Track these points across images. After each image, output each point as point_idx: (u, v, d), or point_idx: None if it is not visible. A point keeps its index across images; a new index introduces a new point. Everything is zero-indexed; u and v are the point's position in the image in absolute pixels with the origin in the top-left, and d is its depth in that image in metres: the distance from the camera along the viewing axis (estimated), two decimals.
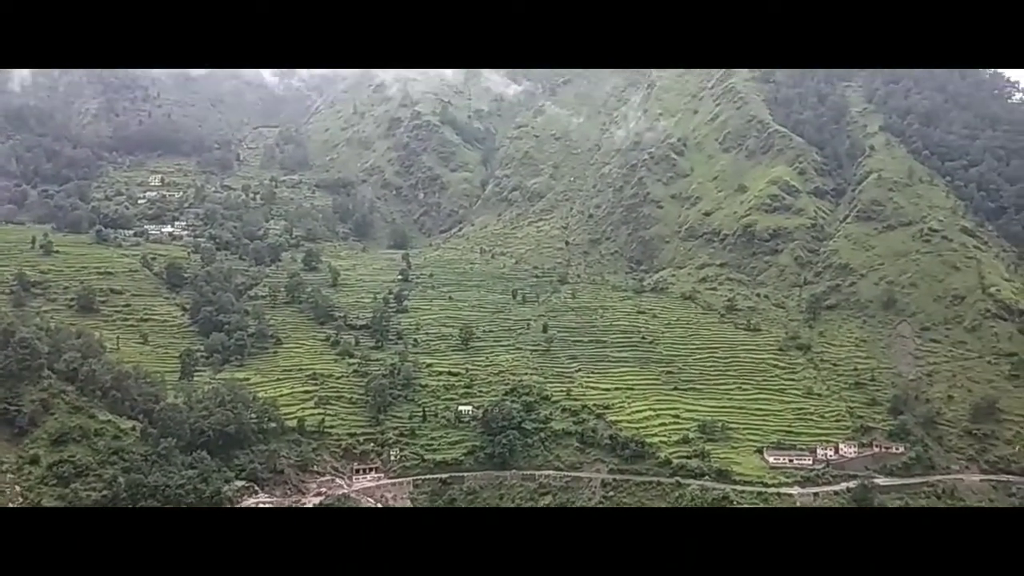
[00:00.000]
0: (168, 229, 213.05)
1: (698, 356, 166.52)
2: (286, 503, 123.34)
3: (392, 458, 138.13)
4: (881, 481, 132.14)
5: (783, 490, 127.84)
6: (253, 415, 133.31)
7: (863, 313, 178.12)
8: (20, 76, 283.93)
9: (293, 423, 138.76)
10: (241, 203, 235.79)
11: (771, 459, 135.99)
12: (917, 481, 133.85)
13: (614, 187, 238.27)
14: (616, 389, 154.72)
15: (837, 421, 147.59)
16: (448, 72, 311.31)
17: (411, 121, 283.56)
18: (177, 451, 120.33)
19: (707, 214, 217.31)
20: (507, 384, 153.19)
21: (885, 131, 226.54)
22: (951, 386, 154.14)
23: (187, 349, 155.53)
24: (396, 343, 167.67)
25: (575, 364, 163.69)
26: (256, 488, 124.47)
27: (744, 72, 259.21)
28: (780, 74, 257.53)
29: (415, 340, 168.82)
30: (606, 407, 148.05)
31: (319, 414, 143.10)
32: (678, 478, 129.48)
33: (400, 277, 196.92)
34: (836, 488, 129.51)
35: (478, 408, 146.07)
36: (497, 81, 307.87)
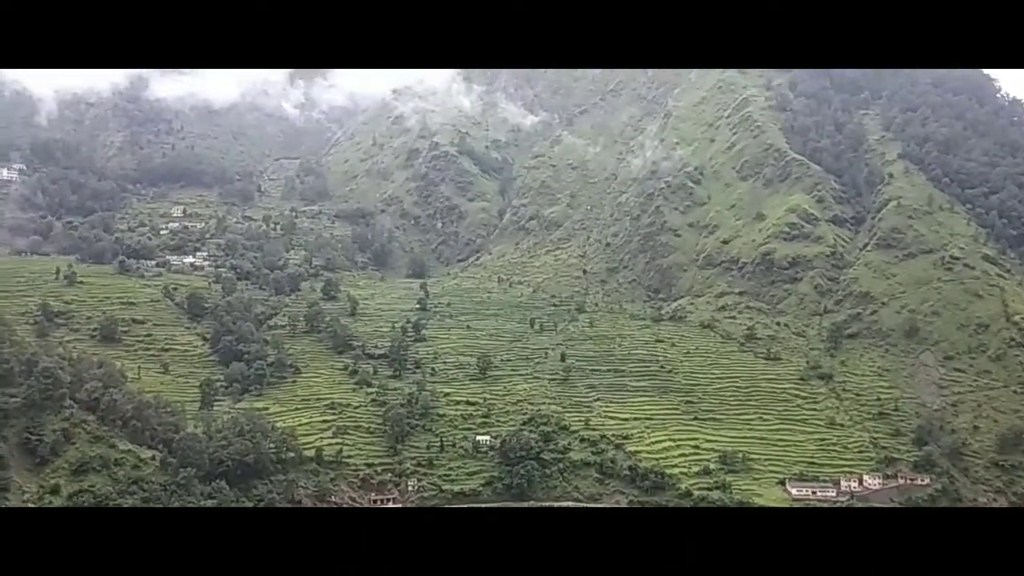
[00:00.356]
0: (190, 259, 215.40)
1: (718, 385, 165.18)
2: None
3: (410, 488, 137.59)
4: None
5: None
6: (272, 445, 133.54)
7: (885, 342, 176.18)
8: (48, 110, 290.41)
9: (311, 453, 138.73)
10: (262, 233, 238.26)
11: (794, 491, 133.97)
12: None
13: (631, 215, 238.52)
14: (635, 419, 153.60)
15: (861, 452, 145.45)
16: (466, 102, 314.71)
17: (429, 152, 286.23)
18: (196, 481, 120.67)
19: (725, 242, 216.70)
20: (525, 414, 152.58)
21: (904, 159, 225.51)
22: (976, 416, 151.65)
23: (207, 378, 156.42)
24: (414, 372, 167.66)
25: (593, 393, 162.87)
26: None
27: (760, 101, 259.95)
28: (796, 103, 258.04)
29: (433, 369, 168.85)
30: (625, 437, 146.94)
31: (337, 444, 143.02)
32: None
33: (418, 306, 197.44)
34: None
35: (496, 438, 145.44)
36: (514, 112, 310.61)
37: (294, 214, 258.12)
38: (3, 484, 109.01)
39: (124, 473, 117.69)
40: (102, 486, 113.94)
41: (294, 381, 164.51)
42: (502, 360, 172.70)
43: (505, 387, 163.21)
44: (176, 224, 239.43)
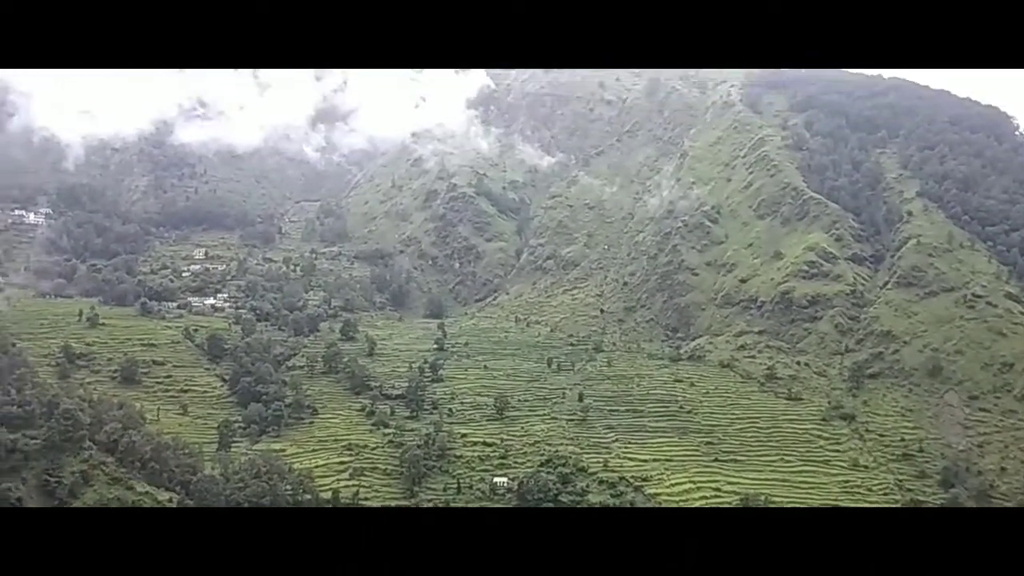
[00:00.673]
0: (211, 301, 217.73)
1: (738, 426, 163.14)
2: None
3: None
4: None
5: None
6: (288, 487, 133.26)
7: (908, 381, 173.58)
8: (75, 155, 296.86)
9: (328, 495, 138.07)
10: (282, 275, 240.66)
11: None
12: None
13: (648, 255, 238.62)
14: (654, 460, 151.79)
15: (885, 495, 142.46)
16: (483, 144, 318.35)
17: (447, 193, 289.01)
18: None
19: (743, 281, 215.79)
20: (542, 455, 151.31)
21: (922, 196, 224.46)
22: (1003, 457, 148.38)
23: (225, 420, 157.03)
24: (431, 413, 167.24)
25: (612, 434, 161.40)
26: None
27: (776, 140, 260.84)
28: (813, 141, 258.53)
29: (450, 410, 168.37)
30: (644, 479, 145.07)
31: (354, 486, 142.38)
32: None
33: (436, 346, 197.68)
34: None
35: (513, 479, 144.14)
36: (531, 153, 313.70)
37: (314, 256, 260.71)
38: None
39: None
40: None
41: (311, 422, 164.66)
42: (519, 400, 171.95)
43: (522, 428, 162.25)
44: (198, 266, 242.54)
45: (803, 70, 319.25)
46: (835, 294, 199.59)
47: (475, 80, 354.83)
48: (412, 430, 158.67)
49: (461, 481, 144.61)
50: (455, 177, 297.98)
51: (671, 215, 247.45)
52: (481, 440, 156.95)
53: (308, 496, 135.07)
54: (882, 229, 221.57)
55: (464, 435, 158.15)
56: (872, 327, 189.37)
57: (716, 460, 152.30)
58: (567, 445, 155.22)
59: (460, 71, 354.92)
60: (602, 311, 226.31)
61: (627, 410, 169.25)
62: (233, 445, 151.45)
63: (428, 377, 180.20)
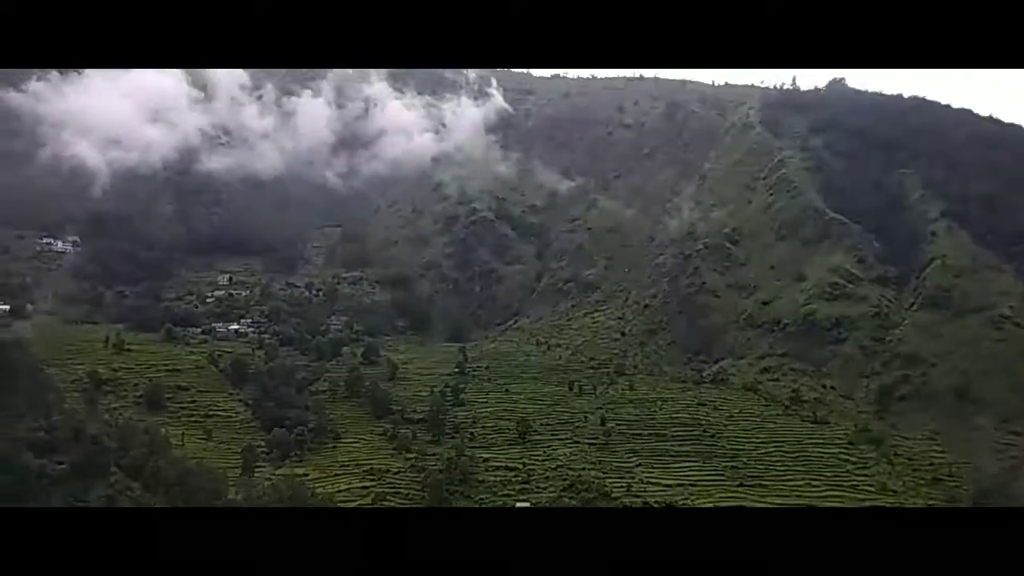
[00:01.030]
0: (234, 326, 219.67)
1: (763, 450, 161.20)
2: None
3: None
4: None
5: None
6: None
7: (936, 404, 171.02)
8: (102, 183, 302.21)
9: None
10: (304, 300, 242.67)
11: None
12: None
13: (669, 277, 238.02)
14: (679, 485, 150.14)
15: None
16: (503, 169, 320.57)
17: (467, 217, 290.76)
18: None
19: (765, 303, 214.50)
20: (565, 479, 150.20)
21: (946, 217, 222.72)
22: None
23: (248, 444, 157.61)
24: (453, 437, 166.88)
25: (635, 458, 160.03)
26: None
27: (796, 161, 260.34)
28: (834, 163, 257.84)
29: (472, 434, 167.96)
30: (669, 504, 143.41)
31: None
32: None
33: (457, 370, 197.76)
34: None
35: (536, 504, 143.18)
36: (550, 177, 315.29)
37: (336, 281, 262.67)
38: None
39: None
40: None
41: (334, 447, 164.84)
42: (541, 424, 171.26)
43: (544, 452, 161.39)
44: (222, 292, 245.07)
45: (821, 92, 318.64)
46: (859, 316, 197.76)
47: (493, 105, 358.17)
48: (434, 454, 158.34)
49: (484, 506, 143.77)
50: (475, 202, 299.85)
51: (692, 237, 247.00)
52: (503, 464, 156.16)
53: None
54: (906, 250, 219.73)
55: (486, 459, 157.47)
56: (898, 349, 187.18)
57: (741, 485, 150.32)
58: (590, 470, 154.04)
59: (479, 97, 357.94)
60: (623, 334, 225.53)
61: (650, 434, 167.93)
62: (256, 470, 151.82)
63: (450, 401, 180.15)
